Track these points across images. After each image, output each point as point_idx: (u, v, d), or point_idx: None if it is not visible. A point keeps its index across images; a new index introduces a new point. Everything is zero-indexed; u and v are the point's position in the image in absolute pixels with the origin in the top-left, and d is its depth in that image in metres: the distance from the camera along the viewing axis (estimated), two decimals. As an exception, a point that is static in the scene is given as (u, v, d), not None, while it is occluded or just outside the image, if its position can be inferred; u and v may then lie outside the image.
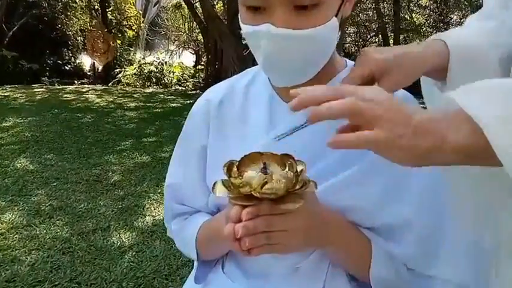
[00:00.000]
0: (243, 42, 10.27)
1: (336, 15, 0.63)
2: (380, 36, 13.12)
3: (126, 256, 2.40)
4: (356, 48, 13.43)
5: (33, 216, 2.91)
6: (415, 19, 13.64)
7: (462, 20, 13.89)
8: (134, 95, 9.23)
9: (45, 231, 2.70)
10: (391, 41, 13.01)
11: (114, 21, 16.57)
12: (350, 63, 0.77)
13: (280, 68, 0.65)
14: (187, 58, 18.64)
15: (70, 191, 3.45)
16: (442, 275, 0.67)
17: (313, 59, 0.65)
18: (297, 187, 0.54)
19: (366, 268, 0.66)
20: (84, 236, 2.64)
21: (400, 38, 13.24)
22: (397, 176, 0.65)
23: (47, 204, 3.14)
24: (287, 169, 0.57)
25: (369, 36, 13.51)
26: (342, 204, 0.65)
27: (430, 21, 12.94)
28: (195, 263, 0.82)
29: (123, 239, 2.61)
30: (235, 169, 0.56)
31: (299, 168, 0.57)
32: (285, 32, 0.60)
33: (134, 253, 2.43)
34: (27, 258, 2.33)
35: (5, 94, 8.63)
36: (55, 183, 3.61)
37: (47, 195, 3.34)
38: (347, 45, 15.00)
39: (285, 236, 0.57)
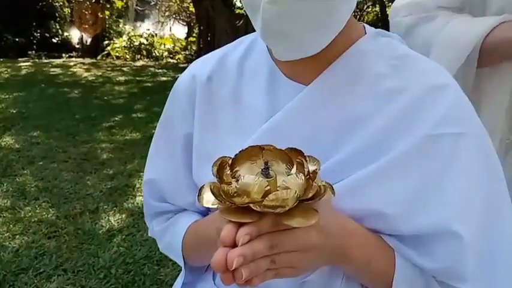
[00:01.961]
0: (236, 12, 9.97)
1: None
2: (377, 6, 12.79)
3: (115, 240, 2.29)
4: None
5: (18, 198, 2.79)
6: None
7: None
8: (124, 69, 8.98)
9: (30, 214, 2.58)
10: (389, 11, 12.73)
11: (102, -9, 16.02)
12: (370, 29, 0.62)
13: (285, 36, 0.51)
14: (179, 30, 18.16)
15: (57, 170, 3.32)
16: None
17: (328, 23, 0.51)
18: (310, 195, 0.41)
19: (387, 283, 0.55)
20: (71, 219, 2.52)
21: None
22: (432, 175, 0.52)
23: (32, 185, 3.01)
24: (295, 170, 0.44)
25: (365, 6, 13.15)
26: (359, 209, 0.52)
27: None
28: (183, 269, 0.70)
29: (112, 221, 2.49)
30: (227, 170, 0.43)
31: (311, 168, 0.44)
32: None
33: (124, 237, 2.33)
34: (10, 244, 2.22)
35: (-11, 68, 8.35)
36: (41, 163, 3.47)
37: (33, 175, 3.21)
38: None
39: (295, 258, 0.44)
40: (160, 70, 8.85)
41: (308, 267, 0.48)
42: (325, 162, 0.53)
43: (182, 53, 11.46)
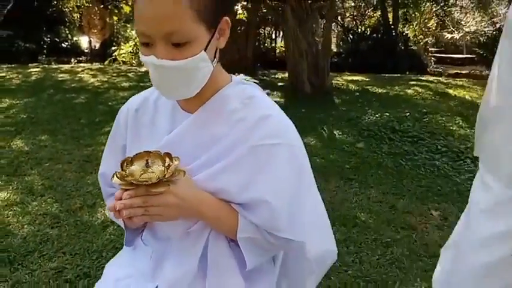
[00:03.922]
0: (238, 18, 10.37)
1: (205, 49, 0.88)
2: (379, 11, 13.11)
3: (108, 230, 2.71)
4: (354, 23, 13.46)
5: (26, 195, 3.23)
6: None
7: (462, -6, 13.81)
8: (129, 74, 9.47)
9: (36, 208, 3.01)
10: (390, 16, 13.04)
11: (110, -4, 16.59)
12: (235, 78, 1.03)
13: (166, 88, 0.91)
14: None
15: (61, 171, 3.76)
16: (296, 237, 0.95)
17: (190, 82, 0.90)
18: (167, 176, 0.82)
19: (235, 233, 0.95)
20: (71, 213, 2.95)
21: (400, 13, 13.25)
22: (256, 169, 0.92)
23: (39, 184, 3.45)
24: (166, 164, 0.84)
25: (367, 11, 13.51)
26: (214, 187, 0.92)
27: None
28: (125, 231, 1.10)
29: (107, 215, 2.91)
30: (126, 164, 0.84)
31: (175, 162, 0.85)
32: (163, 63, 0.85)
33: (116, 227, 2.74)
34: (19, 232, 2.65)
35: (1, 75, 8.90)
36: (47, 164, 3.92)
37: (40, 175, 3.65)
38: (346, 19, 15.01)
39: (160, 210, 0.85)
40: (163, 76, 9.31)
41: (172, 217, 0.89)
42: (195, 162, 0.94)
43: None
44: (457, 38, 15.49)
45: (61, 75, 9.00)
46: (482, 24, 14.19)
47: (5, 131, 4.93)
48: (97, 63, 12.62)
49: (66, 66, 10.85)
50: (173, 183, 0.84)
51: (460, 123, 5.64)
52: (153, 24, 0.83)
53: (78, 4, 16.48)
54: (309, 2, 7.47)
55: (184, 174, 0.85)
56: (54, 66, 10.68)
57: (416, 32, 13.74)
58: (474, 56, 13.51)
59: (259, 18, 10.44)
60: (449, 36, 15.43)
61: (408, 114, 5.94)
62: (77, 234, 2.66)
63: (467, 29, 13.98)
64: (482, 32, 13.01)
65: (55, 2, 15.60)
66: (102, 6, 15.79)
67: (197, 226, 0.96)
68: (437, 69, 13.63)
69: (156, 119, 1.02)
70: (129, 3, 16.71)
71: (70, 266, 2.30)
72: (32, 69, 9.78)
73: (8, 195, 3.21)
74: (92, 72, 9.65)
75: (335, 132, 5.27)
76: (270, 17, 10.92)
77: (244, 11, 9.82)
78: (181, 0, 0.81)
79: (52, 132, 4.91)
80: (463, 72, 12.74)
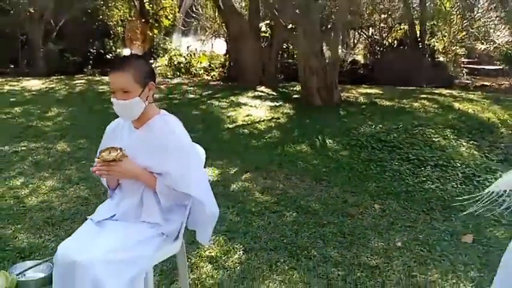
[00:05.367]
0: (262, 35, 11.48)
1: (140, 96, 1.96)
2: (406, 25, 13.74)
3: (120, 208, 3.85)
4: (380, 36, 14.18)
5: (66, 183, 4.45)
6: (445, 2, 14.02)
7: (490, 7, 14.20)
8: (160, 87, 10.78)
9: (72, 192, 4.21)
10: (418, 29, 13.64)
11: (151, 11, 18.22)
12: (162, 111, 2.10)
13: (121, 114, 2.02)
14: (222, 44, 19.96)
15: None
16: (189, 192, 2.01)
17: (132, 112, 1.99)
18: (117, 157, 1.90)
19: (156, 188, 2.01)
20: (98, 196, 4.11)
21: (427, 25, 13.81)
22: (163, 157, 1.98)
23: (76, 176, 4.67)
24: (118, 152, 1.93)
25: (395, 24, 14.17)
26: (144, 165, 2.00)
27: (455, 9, 13.45)
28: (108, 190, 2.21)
29: (122, 198, 4.06)
30: (100, 152, 1.93)
31: (123, 151, 1.93)
32: (119, 102, 1.96)
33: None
34: (59, 208, 3.84)
35: (52, 86, 10.50)
36: (84, 162, 5.14)
37: (77, 169, 4.88)
38: (376, 31, 15.72)
39: (114, 173, 1.94)
40: (190, 88, 10.55)
41: (120, 176, 2.00)
42: (136, 152, 2.02)
43: (216, 70, 13.14)
44: (491, 49, 15.80)
45: (102, 87, 10.45)
46: (515, 35, 14.49)
47: (52, 135, 6.27)
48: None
49: (108, 79, 12.34)
50: (121, 161, 1.92)
51: (448, 135, 6.35)
52: (114, 85, 1.95)
53: (122, 18, 18.25)
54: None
55: (127, 157, 1.93)
56: (97, 79, 12.22)
57: (446, 44, 14.23)
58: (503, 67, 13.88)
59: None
60: (482, 47, 15.78)
61: (400, 126, 6.76)
62: (99, 210, 3.81)
63: (498, 41, 14.35)
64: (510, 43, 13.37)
65: (101, 17, 17.34)
66: (143, 20, 17.40)
67: (138, 185, 2.04)
68: (466, 81, 14.09)
69: (123, 133, 2.12)
70: (169, 17, 18.33)
71: (91, 229, 3.44)
72: (77, 81, 11.35)
73: (53, 183, 4.44)
74: (129, 84, 11.04)
75: (328, 141, 6.21)
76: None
77: (268, 29, 10.91)
78: (128, 76, 1.92)
79: (89, 137, 6.18)
80: (489, 84, 13.17)
